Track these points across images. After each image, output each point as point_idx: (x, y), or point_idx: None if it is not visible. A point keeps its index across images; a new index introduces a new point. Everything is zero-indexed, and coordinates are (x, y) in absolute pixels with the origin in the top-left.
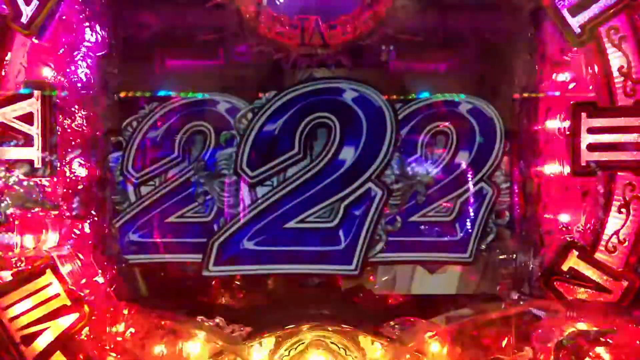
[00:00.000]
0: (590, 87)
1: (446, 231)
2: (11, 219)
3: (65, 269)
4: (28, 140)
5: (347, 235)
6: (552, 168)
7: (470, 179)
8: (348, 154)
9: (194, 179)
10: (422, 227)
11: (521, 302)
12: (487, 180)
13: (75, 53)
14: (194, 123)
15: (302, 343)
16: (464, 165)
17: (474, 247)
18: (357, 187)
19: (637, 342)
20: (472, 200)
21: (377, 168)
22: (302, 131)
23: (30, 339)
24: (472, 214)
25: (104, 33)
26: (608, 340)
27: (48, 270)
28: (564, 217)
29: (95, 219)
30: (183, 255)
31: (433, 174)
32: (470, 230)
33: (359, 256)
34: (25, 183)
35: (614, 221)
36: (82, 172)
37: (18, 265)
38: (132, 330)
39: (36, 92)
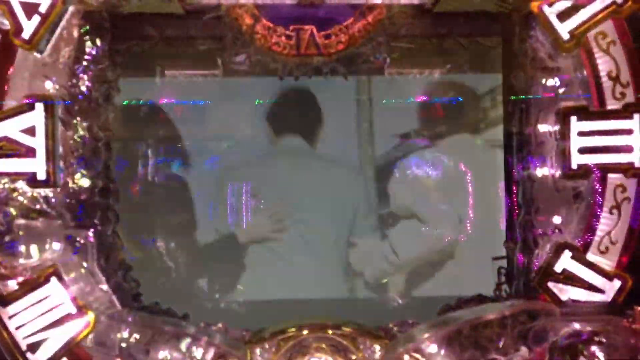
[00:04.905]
0: (580, 92)
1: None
2: (16, 229)
3: (69, 277)
4: (31, 152)
5: None
6: (544, 171)
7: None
8: None
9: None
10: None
11: (516, 304)
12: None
13: (77, 66)
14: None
15: (303, 346)
16: (460, 170)
17: (470, 250)
18: None
19: (631, 341)
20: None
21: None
22: None
23: (36, 346)
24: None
25: (104, 45)
26: (602, 339)
27: (53, 279)
28: (557, 219)
29: (99, 227)
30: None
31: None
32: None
33: None
34: (29, 194)
35: (606, 222)
36: (85, 182)
37: (23, 274)
38: (137, 336)
39: (38, 105)
